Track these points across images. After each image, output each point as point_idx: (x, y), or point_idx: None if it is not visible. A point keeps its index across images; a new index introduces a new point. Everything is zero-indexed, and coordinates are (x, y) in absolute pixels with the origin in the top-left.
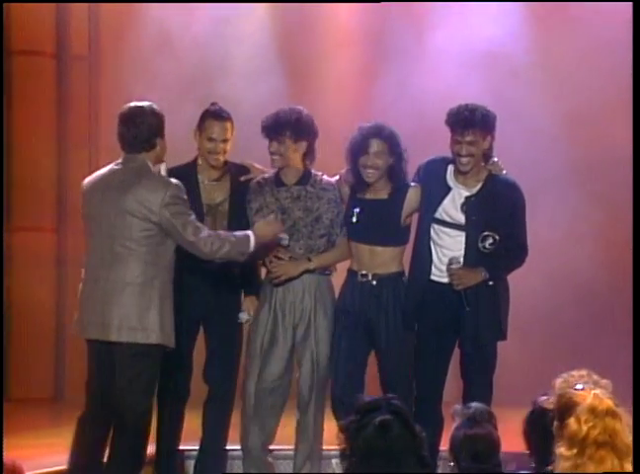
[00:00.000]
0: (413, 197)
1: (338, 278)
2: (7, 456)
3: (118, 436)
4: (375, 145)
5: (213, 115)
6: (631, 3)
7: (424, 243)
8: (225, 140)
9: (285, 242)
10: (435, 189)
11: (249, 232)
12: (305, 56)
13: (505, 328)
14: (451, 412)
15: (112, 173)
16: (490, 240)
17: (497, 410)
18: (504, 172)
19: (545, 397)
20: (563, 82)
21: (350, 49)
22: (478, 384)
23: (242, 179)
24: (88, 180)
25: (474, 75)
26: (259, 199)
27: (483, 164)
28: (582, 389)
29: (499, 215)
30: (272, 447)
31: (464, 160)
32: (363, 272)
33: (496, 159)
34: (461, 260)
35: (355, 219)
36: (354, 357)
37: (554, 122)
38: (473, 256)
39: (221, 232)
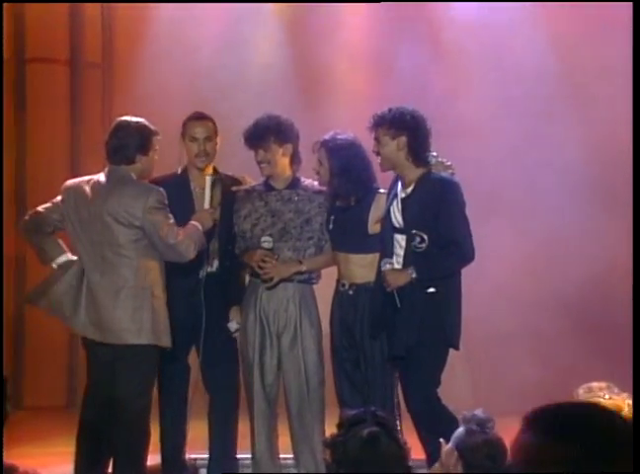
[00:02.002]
0: (381, 203)
1: (324, 288)
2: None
3: (117, 436)
4: (319, 153)
5: (193, 116)
6: (631, 3)
7: (382, 251)
8: (208, 139)
9: (269, 245)
10: (390, 196)
11: (195, 223)
12: (320, 68)
13: (451, 336)
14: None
15: (96, 182)
16: (418, 239)
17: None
18: (450, 171)
19: None
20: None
21: (363, 62)
22: (406, 387)
23: (234, 189)
24: (72, 183)
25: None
26: (247, 206)
27: (414, 164)
28: (609, 399)
29: (427, 213)
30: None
31: (379, 159)
32: (343, 281)
33: (442, 159)
34: (393, 260)
35: (331, 226)
36: (350, 381)
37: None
38: (409, 257)
39: (185, 231)
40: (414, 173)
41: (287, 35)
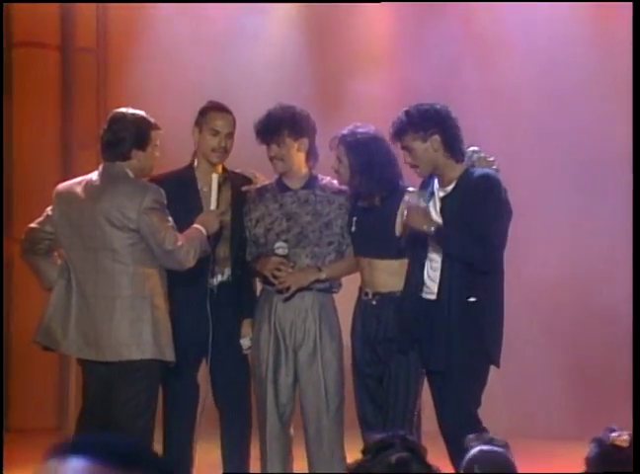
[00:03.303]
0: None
1: (345, 296)
2: None
3: None
4: (338, 149)
5: (216, 107)
6: (631, 3)
7: (412, 256)
8: (230, 135)
9: (284, 251)
10: (426, 195)
11: (199, 226)
12: (336, 66)
13: (492, 351)
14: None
15: (89, 182)
16: None
17: None
18: (493, 167)
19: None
20: None
21: (383, 60)
22: (443, 410)
23: (244, 189)
24: (63, 187)
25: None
26: (259, 208)
27: (455, 160)
28: None
29: (468, 212)
30: None
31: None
32: (366, 290)
33: (483, 154)
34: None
35: (353, 228)
36: (373, 400)
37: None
38: (450, 263)
39: (186, 235)
40: (455, 170)
41: (302, 31)
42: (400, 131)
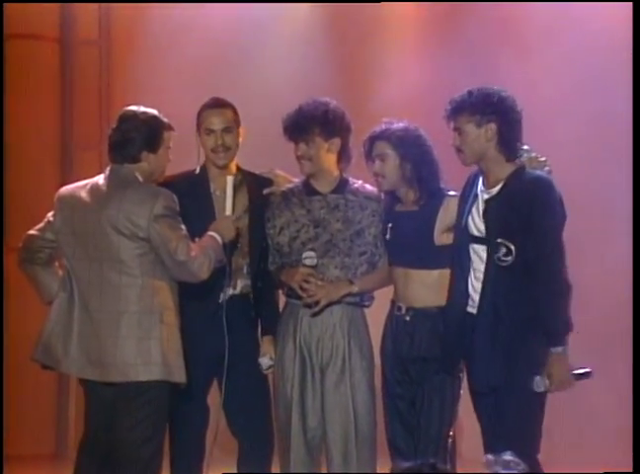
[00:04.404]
0: (451, 208)
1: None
2: None
3: None
4: (379, 148)
5: (209, 104)
6: (631, 3)
7: (455, 266)
8: (227, 130)
9: (312, 261)
10: (467, 198)
11: (213, 234)
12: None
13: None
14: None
15: (94, 186)
16: (503, 250)
17: None
18: (546, 168)
19: None
20: None
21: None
22: (492, 440)
23: (266, 192)
24: (66, 191)
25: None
26: (284, 214)
27: (505, 158)
28: None
29: (517, 219)
30: None
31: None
32: (399, 304)
33: (535, 154)
34: (471, 276)
35: (388, 236)
36: (404, 424)
37: None
38: (493, 273)
39: (200, 244)
40: (503, 169)
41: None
42: (457, 110)
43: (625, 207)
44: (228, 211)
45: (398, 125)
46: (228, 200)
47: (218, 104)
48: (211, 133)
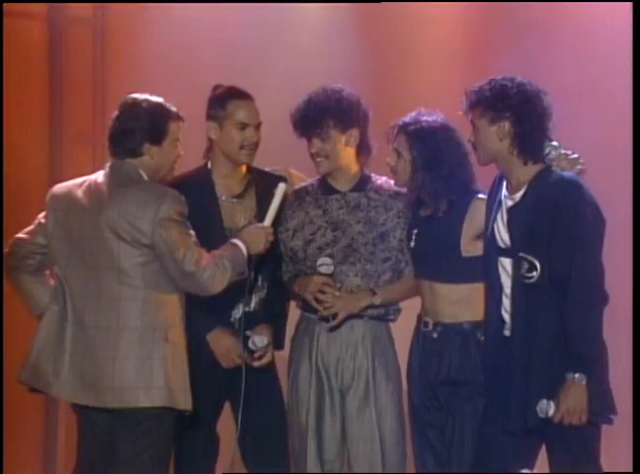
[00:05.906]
0: (480, 212)
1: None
2: None
3: None
4: (397, 140)
5: (237, 94)
6: (631, 3)
7: (486, 281)
8: (258, 126)
9: (329, 269)
10: (493, 204)
11: (237, 242)
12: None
13: (595, 408)
14: None
15: (92, 184)
16: (526, 265)
17: None
18: (577, 167)
19: None
20: None
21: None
22: None
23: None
24: (60, 189)
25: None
26: (298, 215)
27: (523, 160)
28: None
29: (541, 229)
30: None
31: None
32: (426, 318)
33: (564, 151)
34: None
35: (412, 244)
36: (434, 453)
37: None
38: (520, 291)
39: (215, 254)
40: (525, 172)
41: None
42: (473, 102)
43: (625, 207)
44: (267, 222)
45: (426, 119)
46: (272, 210)
47: (248, 95)
48: (246, 128)
